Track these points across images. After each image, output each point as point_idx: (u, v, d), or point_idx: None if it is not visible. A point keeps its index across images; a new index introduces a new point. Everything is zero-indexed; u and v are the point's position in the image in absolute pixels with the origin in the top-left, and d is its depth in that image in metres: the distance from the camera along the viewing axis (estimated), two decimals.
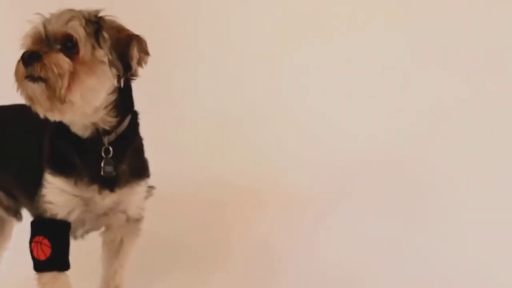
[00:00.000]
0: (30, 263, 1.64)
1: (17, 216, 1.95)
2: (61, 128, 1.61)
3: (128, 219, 1.74)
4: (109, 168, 1.59)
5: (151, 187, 1.76)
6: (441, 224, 2.29)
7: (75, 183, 1.60)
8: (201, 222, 2.40)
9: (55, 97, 1.47)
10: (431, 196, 2.35)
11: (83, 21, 1.52)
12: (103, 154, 1.59)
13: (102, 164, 1.59)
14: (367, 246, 2.26)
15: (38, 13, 1.55)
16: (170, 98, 2.51)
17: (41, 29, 1.53)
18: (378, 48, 2.44)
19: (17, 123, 1.82)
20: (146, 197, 1.76)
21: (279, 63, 2.50)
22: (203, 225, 2.39)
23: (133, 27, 1.59)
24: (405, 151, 2.42)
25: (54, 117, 1.53)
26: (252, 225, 2.39)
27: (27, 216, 1.87)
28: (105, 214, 1.69)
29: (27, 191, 1.76)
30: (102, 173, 1.59)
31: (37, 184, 1.65)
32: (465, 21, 2.41)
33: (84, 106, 1.52)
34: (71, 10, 1.55)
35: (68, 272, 1.64)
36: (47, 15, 1.55)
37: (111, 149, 1.59)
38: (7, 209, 1.93)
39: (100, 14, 1.57)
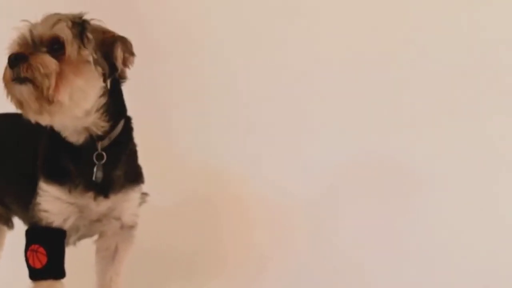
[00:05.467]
0: (24, 271, 1.63)
1: (9, 224, 1.94)
2: (56, 136, 1.60)
3: (122, 226, 1.73)
4: (100, 174, 1.59)
5: (144, 194, 1.76)
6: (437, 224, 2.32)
7: (70, 191, 1.60)
8: (196, 229, 2.40)
9: (43, 98, 1.47)
10: (426, 196, 2.38)
11: (69, 23, 1.54)
12: (95, 160, 1.58)
13: (94, 170, 1.58)
14: (364, 251, 2.28)
15: (25, 20, 1.55)
16: (164, 105, 2.51)
17: (27, 34, 1.54)
18: (375, 47, 2.44)
19: (9, 132, 1.82)
20: (140, 204, 1.75)
21: (275, 67, 2.50)
22: (198, 232, 2.40)
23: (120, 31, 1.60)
24: (400, 150, 2.43)
25: (44, 120, 1.53)
26: (248, 233, 2.40)
27: (19, 225, 1.87)
28: (99, 220, 1.68)
29: (21, 199, 1.75)
30: (93, 178, 1.59)
31: (32, 192, 1.64)
32: (460, 19, 2.42)
33: (74, 108, 1.52)
34: (56, 14, 1.56)
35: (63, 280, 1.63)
36: (34, 22, 1.56)
37: (104, 154, 1.59)
38: None
39: (84, 17, 1.58)
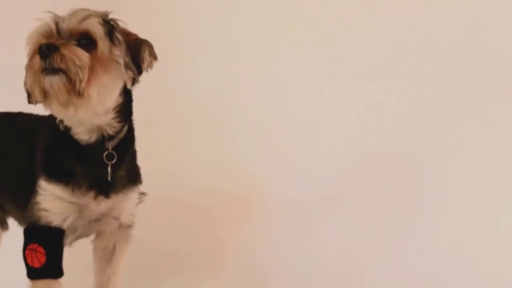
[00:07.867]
0: (21, 271, 1.62)
1: (3, 225, 1.94)
2: (60, 135, 1.60)
3: (120, 226, 1.74)
4: (111, 174, 1.60)
5: (142, 194, 1.76)
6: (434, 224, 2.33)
7: (73, 191, 1.59)
8: (194, 228, 2.41)
9: (74, 90, 1.45)
10: (426, 197, 2.38)
11: (100, 20, 1.52)
12: (105, 159, 1.58)
13: (108, 169, 1.58)
14: (358, 250, 2.28)
15: (49, 12, 1.52)
16: (160, 103, 2.51)
17: (52, 26, 1.51)
18: (369, 47, 2.45)
19: (4, 132, 1.81)
20: (137, 204, 1.76)
21: (270, 68, 2.52)
22: (195, 232, 2.40)
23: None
24: (397, 151, 2.44)
25: (68, 113, 1.50)
26: (244, 232, 2.40)
27: (14, 226, 1.86)
28: (98, 220, 1.68)
29: (17, 199, 1.75)
30: (109, 178, 1.59)
31: (29, 191, 1.63)
32: (456, 20, 2.43)
33: (98, 104, 1.51)
34: (85, 9, 1.54)
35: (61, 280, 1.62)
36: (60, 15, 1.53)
37: (115, 154, 1.59)
38: None
39: (110, 17, 1.58)
